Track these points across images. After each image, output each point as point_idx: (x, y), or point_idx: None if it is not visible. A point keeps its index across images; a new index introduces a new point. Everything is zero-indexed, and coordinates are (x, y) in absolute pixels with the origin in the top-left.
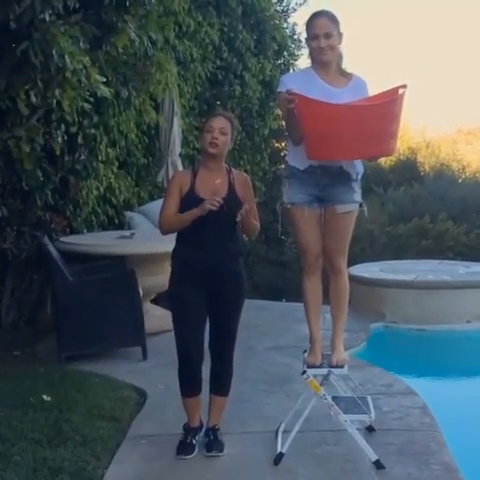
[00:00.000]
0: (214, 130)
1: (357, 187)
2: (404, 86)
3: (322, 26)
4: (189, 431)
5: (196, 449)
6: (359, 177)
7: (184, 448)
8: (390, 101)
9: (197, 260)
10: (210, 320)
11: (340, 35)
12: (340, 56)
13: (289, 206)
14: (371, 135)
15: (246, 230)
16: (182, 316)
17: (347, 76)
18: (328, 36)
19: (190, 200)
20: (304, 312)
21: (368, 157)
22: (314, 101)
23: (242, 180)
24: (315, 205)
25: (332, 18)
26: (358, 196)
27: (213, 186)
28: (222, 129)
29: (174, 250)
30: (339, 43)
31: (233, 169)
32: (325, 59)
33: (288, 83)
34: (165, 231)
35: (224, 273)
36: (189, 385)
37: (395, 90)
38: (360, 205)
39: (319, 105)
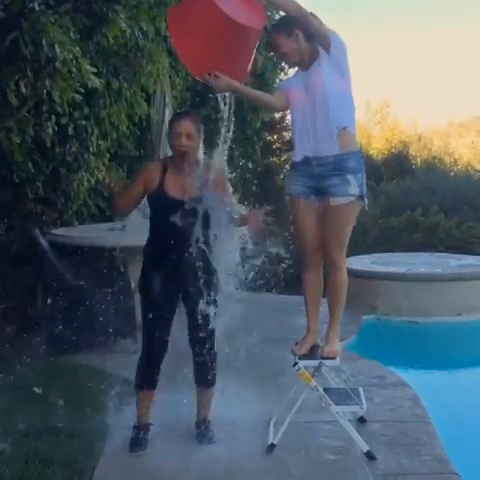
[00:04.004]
0: (181, 137)
1: (353, 180)
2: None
3: (270, 44)
4: (141, 428)
5: (149, 444)
6: (357, 169)
7: (139, 443)
8: None
9: (168, 256)
10: (186, 313)
11: (293, 37)
12: (315, 45)
13: (288, 197)
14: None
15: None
16: (153, 311)
17: (316, 55)
18: (276, 49)
19: (160, 199)
20: (304, 303)
21: None
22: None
23: (215, 175)
24: (312, 197)
25: (274, 29)
26: (354, 189)
27: (183, 184)
28: (189, 135)
29: (145, 246)
30: (299, 42)
31: (207, 163)
32: (291, 65)
33: (279, 85)
34: (119, 215)
35: (195, 267)
36: (148, 379)
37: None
38: (361, 198)
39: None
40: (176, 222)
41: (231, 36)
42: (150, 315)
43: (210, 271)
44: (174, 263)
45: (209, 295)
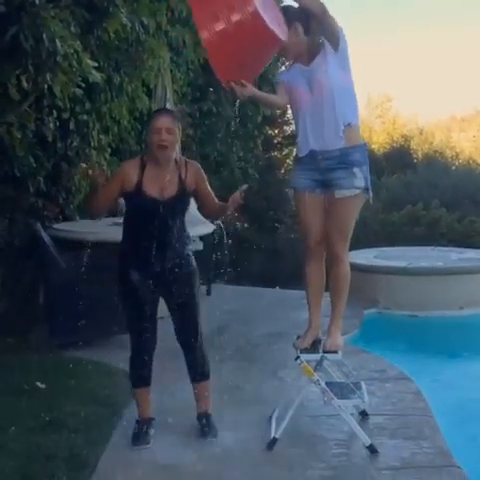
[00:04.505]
0: (161, 131)
1: (359, 172)
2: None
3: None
4: (143, 422)
5: (152, 438)
6: (362, 162)
7: (142, 438)
8: None
9: (145, 253)
10: (169, 311)
11: (292, 30)
12: (314, 38)
13: (292, 191)
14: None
15: (213, 215)
16: (134, 310)
17: (318, 49)
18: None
19: (138, 198)
20: (305, 297)
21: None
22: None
23: (193, 171)
24: (317, 191)
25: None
26: (359, 182)
27: (162, 183)
28: (168, 129)
29: (121, 243)
30: (298, 35)
31: (185, 160)
32: (288, 58)
33: (280, 77)
34: (94, 215)
35: (172, 265)
36: (140, 375)
37: None
38: (366, 190)
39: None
40: (153, 221)
41: (263, 46)
42: (133, 314)
43: (189, 264)
44: (152, 261)
45: (191, 289)
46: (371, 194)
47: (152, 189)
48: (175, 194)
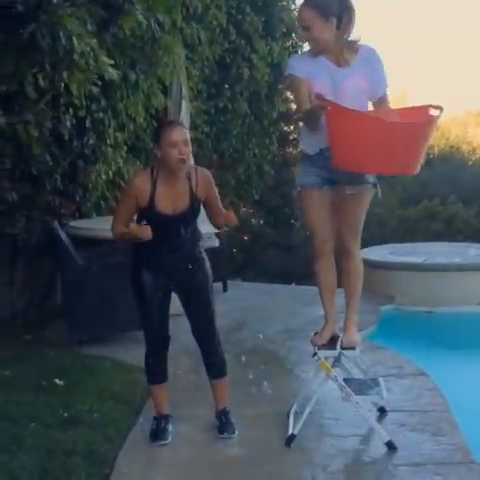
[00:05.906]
0: (179, 145)
1: None
2: (438, 107)
3: (300, 20)
4: (161, 419)
5: (170, 434)
6: None
7: (160, 434)
8: (426, 122)
9: (159, 259)
10: (184, 308)
11: (328, 24)
12: (342, 35)
13: (299, 189)
14: (398, 152)
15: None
16: (147, 307)
17: (354, 51)
18: (306, 29)
19: (151, 216)
20: (318, 294)
21: (391, 174)
22: (347, 110)
23: (203, 180)
24: (325, 188)
25: (312, 6)
26: (370, 177)
27: (174, 198)
28: (185, 141)
29: (134, 248)
30: (332, 30)
31: (195, 169)
32: (313, 50)
33: (296, 66)
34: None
35: (184, 262)
36: (156, 372)
37: (426, 109)
38: (375, 186)
39: (351, 114)
40: (165, 230)
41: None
42: (145, 311)
43: (201, 260)
44: (164, 260)
45: (204, 284)
46: (379, 188)
47: (165, 206)
48: (187, 208)
